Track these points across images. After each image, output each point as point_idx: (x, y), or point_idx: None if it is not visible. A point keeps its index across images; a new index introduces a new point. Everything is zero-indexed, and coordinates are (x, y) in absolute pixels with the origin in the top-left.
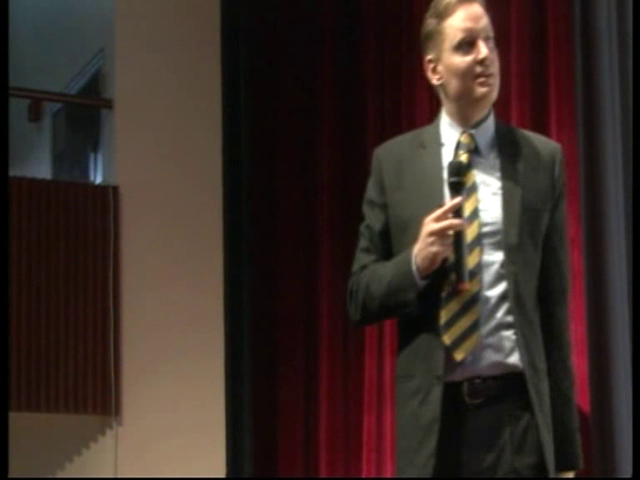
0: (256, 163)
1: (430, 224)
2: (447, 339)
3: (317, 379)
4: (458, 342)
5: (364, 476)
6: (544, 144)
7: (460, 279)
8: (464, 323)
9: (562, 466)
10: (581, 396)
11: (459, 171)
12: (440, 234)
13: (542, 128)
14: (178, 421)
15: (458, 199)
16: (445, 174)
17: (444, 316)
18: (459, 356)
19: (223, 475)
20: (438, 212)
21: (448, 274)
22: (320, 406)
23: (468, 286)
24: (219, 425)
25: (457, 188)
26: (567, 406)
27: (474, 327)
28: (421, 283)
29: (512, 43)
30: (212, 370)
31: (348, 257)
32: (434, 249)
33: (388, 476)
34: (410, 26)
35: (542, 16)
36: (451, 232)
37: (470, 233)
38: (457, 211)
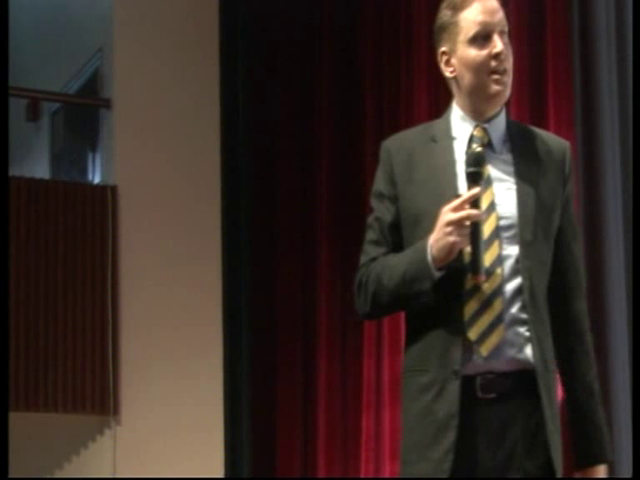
0: (255, 163)
1: (448, 214)
2: (472, 335)
3: (315, 379)
4: (484, 337)
5: (362, 476)
6: (554, 141)
7: (476, 272)
8: (487, 318)
9: (590, 461)
10: None
11: (477, 161)
12: (458, 224)
13: (541, 127)
14: (177, 421)
15: (476, 189)
16: (457, 168)
17: (467, 312)
18: (485, 351)
19: (221, 475)
20: (456, 202)
21: (466, 269)
22: (318, 406)
23: (484, 279)
24: (218, 425)
25: (475, 179)
26: (592, 398)
27: (497, 321)
28: (437, 274)
29: (510, 42)
30: (211, 370)
31: (346, 258)
32: (451, 239)
33: (386, 476)
34: (408, 26)
35: (540, 15)
36: (468, 223)
37: (488, 226)
38: (474, 202)
